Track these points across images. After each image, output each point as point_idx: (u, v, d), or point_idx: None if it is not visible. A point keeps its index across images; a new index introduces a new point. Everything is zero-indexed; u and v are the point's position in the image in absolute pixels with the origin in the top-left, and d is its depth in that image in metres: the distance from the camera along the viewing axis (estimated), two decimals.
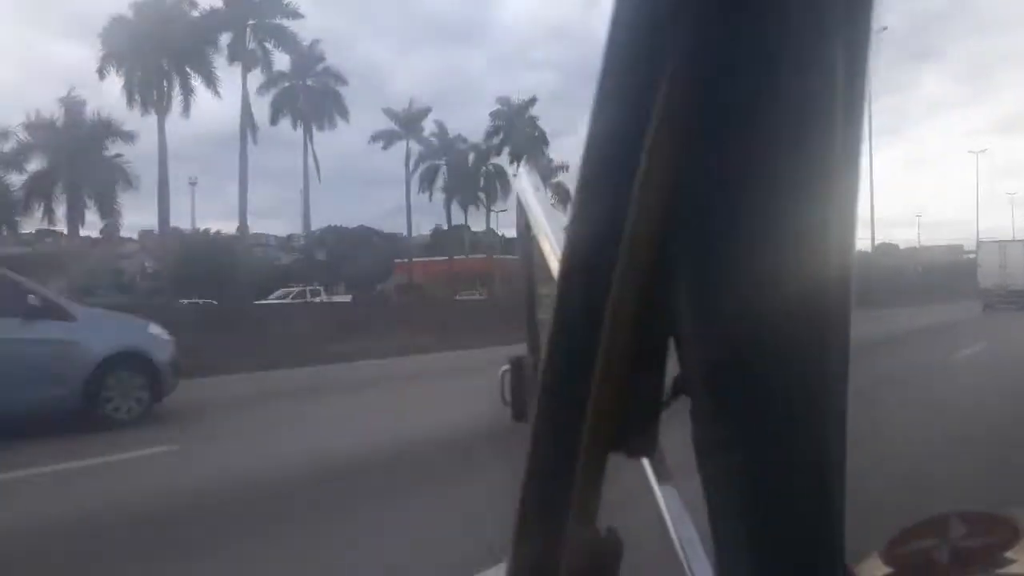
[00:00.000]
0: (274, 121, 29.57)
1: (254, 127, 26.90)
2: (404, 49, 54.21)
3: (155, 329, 5.36)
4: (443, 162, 36.57)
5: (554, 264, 0.43)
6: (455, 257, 34.87)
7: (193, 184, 29.04)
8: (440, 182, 36.37)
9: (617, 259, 0.30)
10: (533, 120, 36.54)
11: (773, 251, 0.33)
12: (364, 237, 34.28)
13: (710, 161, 0.30)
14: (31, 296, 4.74)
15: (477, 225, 39.36)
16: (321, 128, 30.76)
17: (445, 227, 38.51)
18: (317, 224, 34.76)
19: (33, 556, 2.61)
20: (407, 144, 35.77)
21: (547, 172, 37.89)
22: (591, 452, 0.33)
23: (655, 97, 0.27)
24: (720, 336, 0.36)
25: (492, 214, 38.45)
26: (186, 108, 24.30)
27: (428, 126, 36.45)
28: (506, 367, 0.55)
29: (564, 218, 0.47)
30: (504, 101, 36.29)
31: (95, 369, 4.78)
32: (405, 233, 35.79)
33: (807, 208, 0.32)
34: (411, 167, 36.48)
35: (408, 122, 35.07)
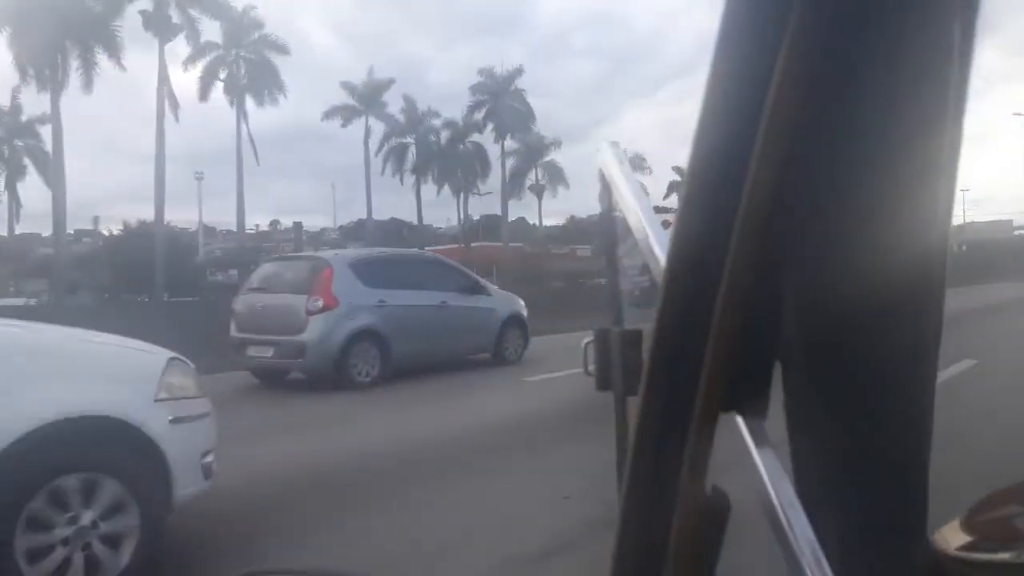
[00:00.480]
0: (203, 96, 29.37)
1: (176, 106, 26.64)
2: (444, 43, 59.94)
3: (521, 301, 9.26)
4: (411, 140, 36.61)
5: (641, 237, 0.50)
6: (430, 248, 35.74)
7: (200, 179, 30.98)
8: (410, 163, 36.47)
9: (728, 238, 0.35)
10: (520, 93, 36.54)
11: (875, 231, 0.39)
12: (395, 229, 37.02)
13: (818, 146, 0.35)
14: (477, 280, 8.93)
15: (450, 209, 39.94)
16: (261, 104, 30.59)
17: (476, 217, 39.65)
18: (357, 218, 37.85)
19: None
20: (367, 120, 35.66)
21: (538, 148, 37.97)
22: (704, 413, 0.38)
23: (764, 97, 0.33)
24: (821, 309, 0.42)
25: (475, 198, 38.72)
26: (88, 84, 24.00)
27: (395, 101, 36.46)
28: (589, 339, 0.62)
29: (644, 192, 0.54)
30: (486, 73, 36.32)
31: (500, 327, 8.80)
32: (436, 225, 38.54)
33: (909, 188, 0.38)
34: (378, 146, 36.38)
35: (367, 96, 34.96)
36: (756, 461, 0.39)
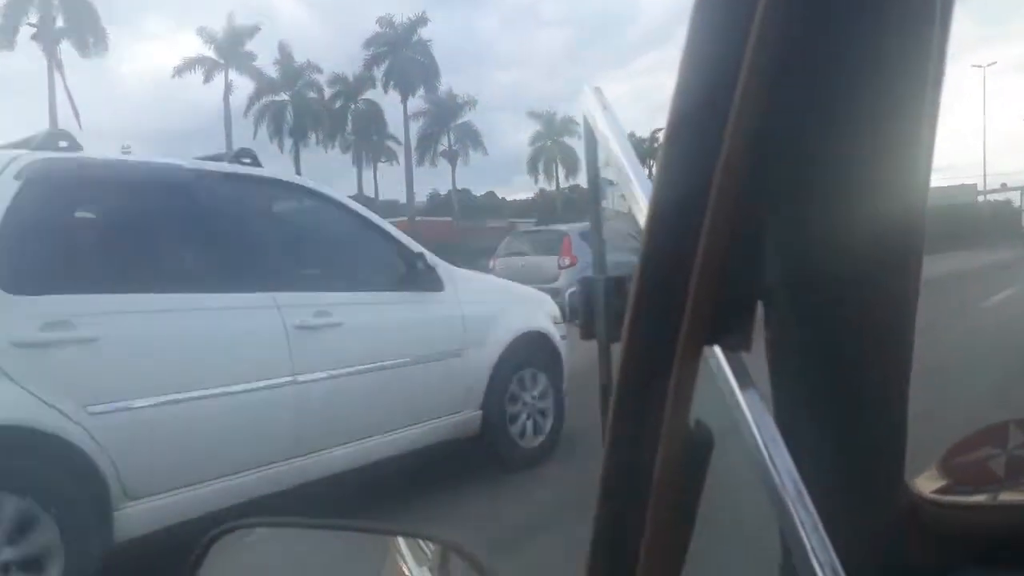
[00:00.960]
0: (6, 44, 27.37)
1: None
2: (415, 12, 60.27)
3: None
4: (287, 97, 35.64)
5: (628, 185, 0.57)
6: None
7: (127, 154, 29.50)
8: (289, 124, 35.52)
9: (711, 179, 0.41)
10: (424, 45, 36.12)
11: (858, 176, 0.46)
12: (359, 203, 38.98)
13: (800, 93, 0.42)
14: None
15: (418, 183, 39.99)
16: (86, 54, 28.79)
17: (443, 192, 40.24)
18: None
19: None
20: (227, 74, 34.35)
21: (452, 107, 37.71)
22: (687, 347, 0.44)
23: (747, 36, 0.39)
24: (803, 251, 0.49)
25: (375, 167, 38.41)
26: None
27: (268, 53, 35.38)
28: (574, 288, 0.69)
29: (626, 139, 0.61)
30: (386, 22, 35.70)
31: None
32: (401, 200, 38.75)
33: (891, 133, 0.45)
34: (247, 105, 35.20)
35: (227, 46, 33.63)
36: (738, 398, 0.45)
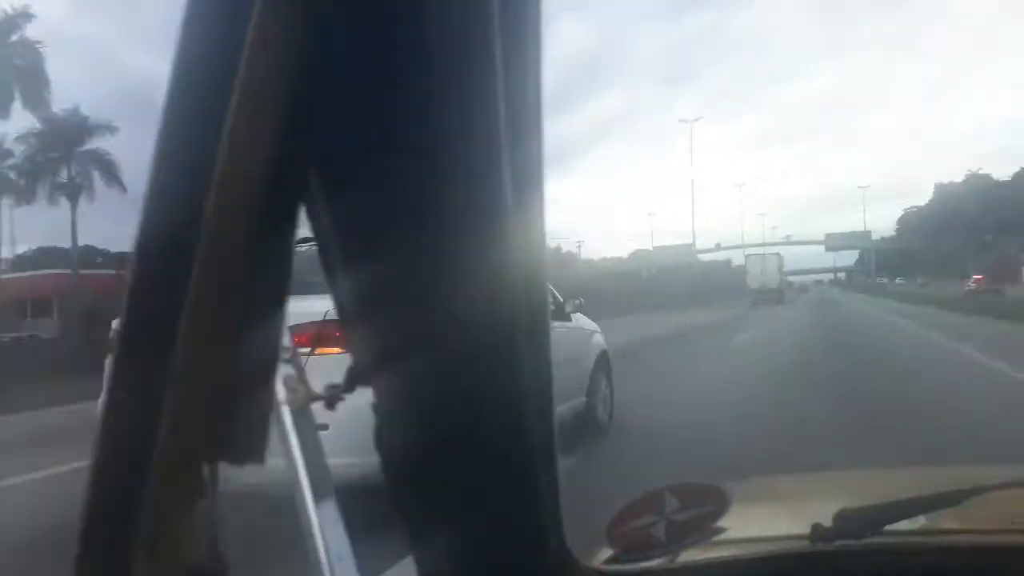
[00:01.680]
0: None
1: None
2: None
3: None
4: None
5: None
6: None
7: None
8: None
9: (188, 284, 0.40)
10: (31, 46, 32.92)
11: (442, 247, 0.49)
12: (86, 257, 38.48)
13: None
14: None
15: None
16: None
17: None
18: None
19: None
20: None
21: (79, 129, 34.59)
22: (172, 465, 0.39)
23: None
24: (396, 326, 0.51)
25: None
26: None
27: None
28: None
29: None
30: None
31: None
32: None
33: (471, 201, 0.49)
34: None
35: None
36: (308, 510, 0.48)
